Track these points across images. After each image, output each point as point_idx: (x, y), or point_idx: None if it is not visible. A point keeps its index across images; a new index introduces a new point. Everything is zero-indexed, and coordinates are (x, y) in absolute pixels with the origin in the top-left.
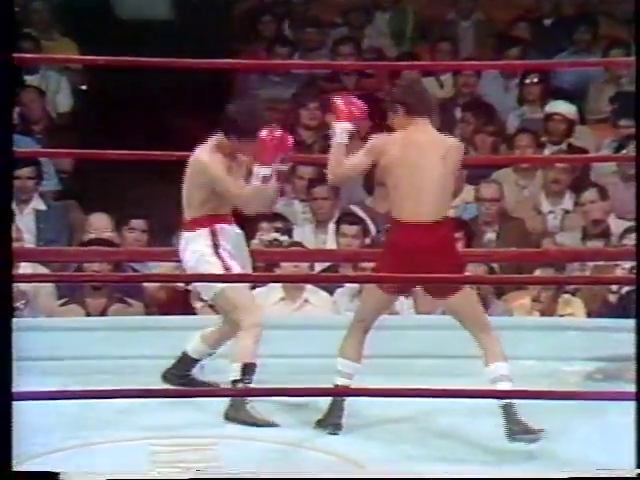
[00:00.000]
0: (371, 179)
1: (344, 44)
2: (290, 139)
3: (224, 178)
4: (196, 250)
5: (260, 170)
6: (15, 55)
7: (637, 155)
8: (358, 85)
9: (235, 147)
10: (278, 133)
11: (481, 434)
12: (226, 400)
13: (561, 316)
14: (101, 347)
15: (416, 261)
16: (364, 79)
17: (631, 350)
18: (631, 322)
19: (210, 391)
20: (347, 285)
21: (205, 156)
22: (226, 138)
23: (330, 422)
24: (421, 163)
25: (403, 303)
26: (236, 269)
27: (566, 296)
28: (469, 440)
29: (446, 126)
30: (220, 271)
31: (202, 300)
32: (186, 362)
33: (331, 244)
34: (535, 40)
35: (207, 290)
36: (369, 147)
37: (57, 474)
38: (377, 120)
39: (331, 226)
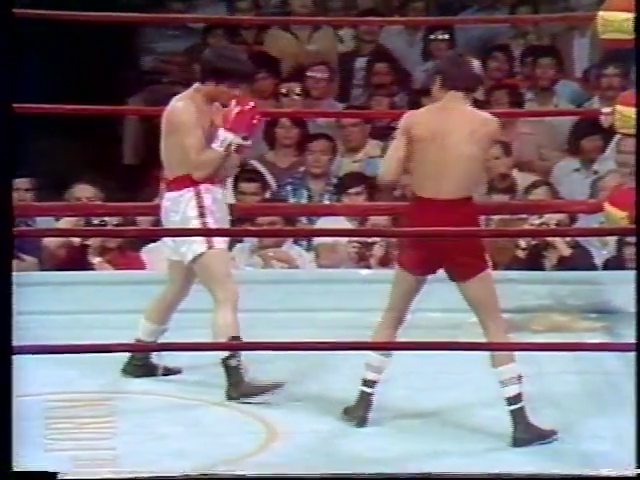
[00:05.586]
0: (272, 133)
1: None
2: (259, 117)
3: (191, 132)
4: (180, 214)
5: (228, 135)
6: (16, 10)
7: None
8: (257, 40)
9: (213, 94)
10: (253, 106)
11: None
12: None
13: None
14: None
15: (435, 240)
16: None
17: (537, 302)
18: (537, 274)
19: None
20: (246, 240)
21: (178, 104)
22: (203, 85)
23: (356, 414)
24: (448, 138)
25: (305, 257)
26: (218, 238)
27: None
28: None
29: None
30: (203, 240)
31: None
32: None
33: (230, 199)
34: None
35: (187, 253)
36: (400, 128)
37: (56, 474)
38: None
39: (229, 181)
